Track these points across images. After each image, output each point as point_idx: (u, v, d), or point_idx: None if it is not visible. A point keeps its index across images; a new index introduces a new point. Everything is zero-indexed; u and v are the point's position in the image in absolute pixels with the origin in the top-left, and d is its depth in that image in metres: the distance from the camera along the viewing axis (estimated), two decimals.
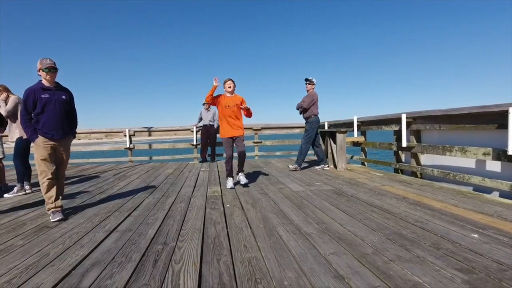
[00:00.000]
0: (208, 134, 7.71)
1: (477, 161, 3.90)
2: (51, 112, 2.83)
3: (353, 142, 6.51)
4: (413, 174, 4.98)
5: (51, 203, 2.84)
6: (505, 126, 3.24)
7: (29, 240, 2.28)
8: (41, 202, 3.54)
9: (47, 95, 2.82)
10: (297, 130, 8.91)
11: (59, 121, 2.88)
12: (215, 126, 7.65)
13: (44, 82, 2.85)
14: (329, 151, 6.13)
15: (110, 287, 1.56)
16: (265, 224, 2.56)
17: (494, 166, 3.66)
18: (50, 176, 2.84)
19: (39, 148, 2.81)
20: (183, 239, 2.24)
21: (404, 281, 1.56)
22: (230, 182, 4.19)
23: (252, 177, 5.06)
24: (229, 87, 4.22)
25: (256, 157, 8.64)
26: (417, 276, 1.60)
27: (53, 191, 2.87)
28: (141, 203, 3.42)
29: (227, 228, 2.48)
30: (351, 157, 7.02)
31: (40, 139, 2.80)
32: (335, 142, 5.86)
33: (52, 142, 2.86)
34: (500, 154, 3.37)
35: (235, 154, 4.32)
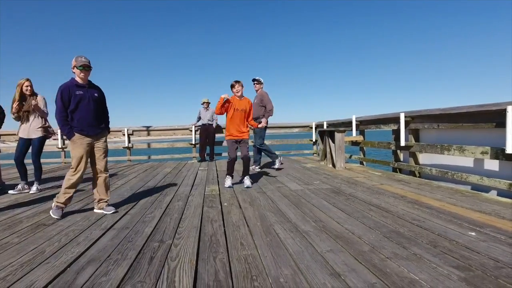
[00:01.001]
0: (207, 133, 7.70)
1: (475, 160, 3.90)
2: (84, 109, 2.86)
3: (351, 141, 6.50)
4: (412, 173, 4.97)
5: (63, 198, 2.85)
6: (503, 124, 3.24)
7: (25, 238, 2.27)
8: (38, 201, 3.54)
9: (81, 92, 2.85)
10: (296, 130, 8.92)
11: (93, 118, 2.91)
12: (214, 125, 7.65)
13: (78, 79, 2.88)
14: (328, 150, 6.13)
15: (105, 284, 1.55)
16: (263, 222, 2.55)
17: (492, 164, 3.66)
18: (80, 174, 2.90)
19: (76, 146, 2.86)
20: (179, 237, 2.23)
21: (401, 278, 1.55)
22: (228, 181, 4.18)
23: (251, 176, 5.04)
24: (237, 91, 4.11)
25: None
26: (413, 273, 1.59)
27: (73, 191, 2.91)
28: (138, 201, 3.41)
29: (224, 226, 2.47)
30: (350, 157, 7.02)
31: (77, 137, 2.84)
32: (333, 142, 5.85)
33: (88, 139, 2.90)
34: (498, 153, 3.37)
35: (239, 153, 4.29)
